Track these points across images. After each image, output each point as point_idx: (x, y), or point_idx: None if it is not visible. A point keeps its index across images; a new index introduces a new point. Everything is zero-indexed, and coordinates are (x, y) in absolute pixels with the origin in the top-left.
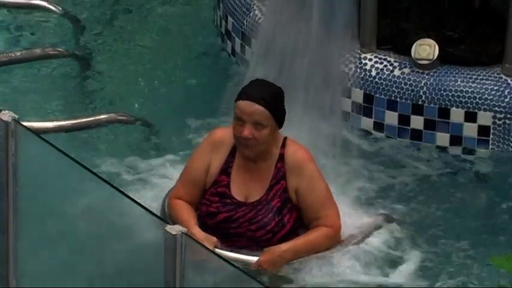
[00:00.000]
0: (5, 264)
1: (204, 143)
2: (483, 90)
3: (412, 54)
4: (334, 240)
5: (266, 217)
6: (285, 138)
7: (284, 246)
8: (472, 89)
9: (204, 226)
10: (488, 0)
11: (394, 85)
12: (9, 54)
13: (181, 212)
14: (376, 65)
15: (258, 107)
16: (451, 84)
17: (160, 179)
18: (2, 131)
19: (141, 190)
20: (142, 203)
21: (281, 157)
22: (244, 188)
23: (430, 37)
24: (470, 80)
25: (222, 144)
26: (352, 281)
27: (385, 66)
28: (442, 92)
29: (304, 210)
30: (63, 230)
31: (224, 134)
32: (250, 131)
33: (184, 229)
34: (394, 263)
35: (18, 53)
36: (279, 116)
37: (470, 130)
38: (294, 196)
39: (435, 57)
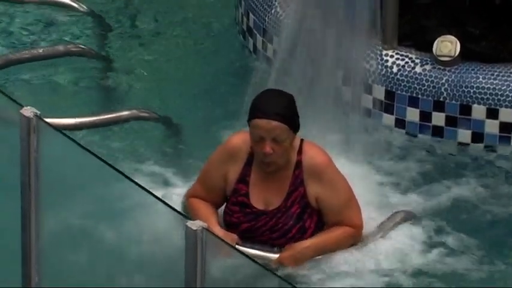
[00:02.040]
0: (27, 261)
1: (221, 150)
2: (505, 86)
3: (434, 51)
4: (356, 239)
5: (287, 224)
6: (302, 142)
7: (305, 243)
8: (494, 86)
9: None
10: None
11: (416, 82)
12: (32, 51)
13: (200, 210)
14: (398, 62)
15: (275, 124)
16: (472, 80)
17: (181, 177)
18: (24, 127)
19: (161, 187)
20: (164, 200)
21: (298, 164)
22: (263, 196)
23: (451, 34)
24: (492, 77)
25: (240, 151)
26: (373, 279)
27: (407, 63)
28: (463, 88)
29: (326, 213)
30: (85, 226)
31: (241, 141)
32: (271, 147)
33: (204, 224)
34: (414, 259)
35: (41, 50)
36: (294, 125)
37: (492, 127)
38: (314, 201)
39: (457, 54)
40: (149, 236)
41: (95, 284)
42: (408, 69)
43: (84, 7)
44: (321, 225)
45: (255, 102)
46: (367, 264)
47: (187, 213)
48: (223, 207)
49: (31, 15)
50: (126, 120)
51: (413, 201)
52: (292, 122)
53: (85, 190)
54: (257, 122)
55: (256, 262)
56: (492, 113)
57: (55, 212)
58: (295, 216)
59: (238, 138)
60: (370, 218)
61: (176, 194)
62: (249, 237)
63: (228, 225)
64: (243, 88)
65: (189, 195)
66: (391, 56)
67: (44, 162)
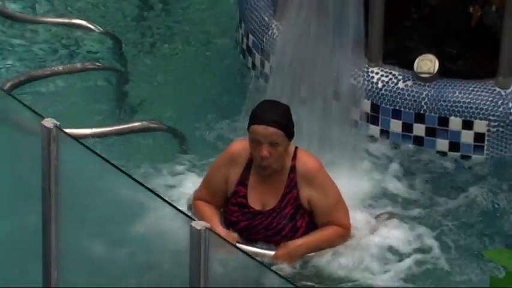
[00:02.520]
0: (47, 262)
1: (223, 156)
2: (479, 100)
3: (415, 68)
4: (345, 238)
5: (280, 223)
6: (296, 149)
7: (299, 241)
8: (469, 100)
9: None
10: (483, 21)
11: (399, 96)
12: (52, 68)
13: (204, 211)
14: (382, 78)
15: (272, 129)
16: (449, 95)
17: (187, 181)
18: (44, 137)
19: (169, 191)
20: (173, 203)
21: (293, 168)
22: (260, 198)
23: (431, 53)
24: (467, 92)
25: (239, 157)
26: (360, 274)
27: (390, 79)
28: (441, 102)
29: (317, 214)
30: (100, 227)
31: (241, 147)
32: (268, 150)
33: (208, 224)
34: (397, 256)
35: (61, 67)
36: (290, 132)
37: (467, 137)
38: (306, 203)
39: (435, 71)
40: (158, 235)
41: (110, 280)
42: (392, 84)
43: (100, 28)
44: (311, 225)
45: (254, 111)
46: (354, 261)
47: (192, 214)
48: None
49: (50, 35)
50: (138, 130)
51: (396, 203)
52: (288, 129)
53: (100, 195)
54: (256, 128)
55: (254, 259)
56: (467, 125)
57: (73, 215)
58: (289, 216)
59: (238, 145)
60: (356, 219)
61: (183, 196)
62: (246, 235)
63: (227, 224)
64: (243, 100)
65: (194, 198)
66: (377, 73)
67: (63, 169)
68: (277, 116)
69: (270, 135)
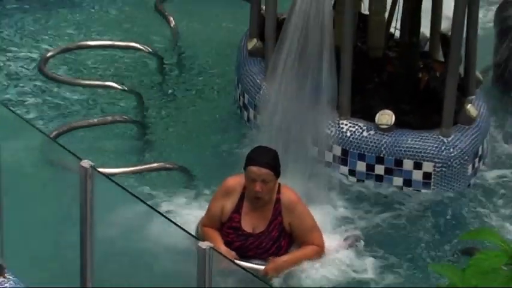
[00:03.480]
0: (84, 274)
1: (220, 189)
2: (426, 146)
3: (376, 121)
4: (319, 255)
5: (268, 244)
6: (280, 185)
7: (284, 257)
8: (419, 146)
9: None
10: (429, 84)
11: (363, 143)
12: (89, 120)
13: (209, 234)
14: (350, 128)
15: (264, 170)
16: (403, 142)
17: (195, 208)
18: (82, 175)
19: (178, 217)
20: (183, 227)
21: (278, 200)
22: (252, 223)
23: (388, 109)
24: (417, 140)
25: (234, 190)
26: (330, 281)
27: (357, 129)
28: (397, 148)
29: (297, 236)
30: (125, 246)
31: (235, 182)
32: (260, 186)
33: (211, 244)
34: (361, 269)
35: (95, 120)
36: (277, 172)
37: (417, 175)
38: (288, 227)
39: (392, 123)
40: (173, 254)
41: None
42: (358, 133)
43: (126, 88)
44: (291, 244)
45: (250, 155)
46: (326, 273)
47: (199, 236)
48: None
49: (87, 93)
50: (156, 169)
51: (361, 227)
52: (276, 170)
53: (126, 219)
54: (251, 169)
55: (248, 271)
56: (417, 166)
57: (104, 236)
58: (275, 238)
59: (233, 180)
60: (328, 239)
61: (192, 221)
62: (240, 252)
63: (224, 243)
64: (239, 146)
65: (201, 224)
66: (346, 124)
67: (96, 200)
68: (268, 160)
69: (263, 174)
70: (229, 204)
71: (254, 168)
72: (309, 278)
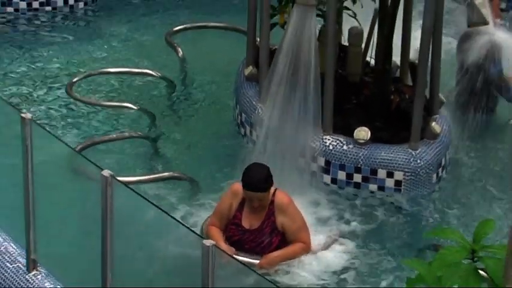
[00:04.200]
0: (105, 270)
1: (228, 192)
2: (397, 158)
3: (354, 136)
4: (307, 251)
5: (261, 239)
6: (275, 189)
7: (276, 253)
8: (391, 158)
9: (227, 242)
10: (400, 105)
11: (343, 155)
12: (109, 136)
13: (212, 233)
14: (332, 143)
15: (259, 194)
16: (378, 155)
17: (201, 211)
18: (103, 183)
19: (189, 219)
20: (190, 227)
21: (272, 202)
22: (249, 221)
23: (365, 126)
24: (390, 152)
25: (238, 193)
26: (315, 274)
27: (338, 143)
28: (372, 159)
29: (288, 234)
30: (142, 243)
31: (239, 187)
32: (257, 202)
33: (214, 242)
34: (343, 263)
35: (114, 135)
36: (270, 187)
37: (389, 183)
38: (280, 226)
39: (368, 138)
40: (180, 251)
41: (145, 279)
42: (339, 147)
43: (138, 107)
44: (282, 241)
45: (245, 176)
46: (311, 267)
47: (206, 233)
48: None
49: (106, 113)
50: (166, 179)
51: (341, 227)
52: (269, 187)
53: (141, 222)
54: (248, 193)
55: (245, 265)
56: (390, 175)
57: (122, 235)
58: (267, 234)
59: (238, 185)
60: (314, 238)
61: (197, 223)
62: (239, 246)
63: (226, 237)
64: (238, 158)
65: (207, 224)
66: (328, 139)
67: (115, 205)
68: (261, 183)
69: (258, 196)
70: (235, 204)
71: (250, 193)
72: (296, 272)
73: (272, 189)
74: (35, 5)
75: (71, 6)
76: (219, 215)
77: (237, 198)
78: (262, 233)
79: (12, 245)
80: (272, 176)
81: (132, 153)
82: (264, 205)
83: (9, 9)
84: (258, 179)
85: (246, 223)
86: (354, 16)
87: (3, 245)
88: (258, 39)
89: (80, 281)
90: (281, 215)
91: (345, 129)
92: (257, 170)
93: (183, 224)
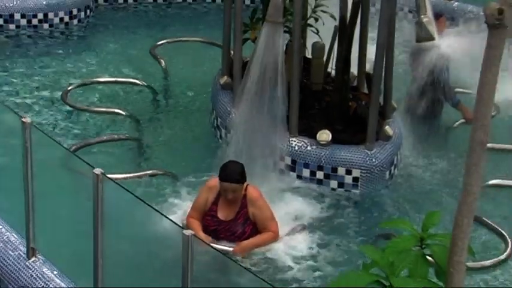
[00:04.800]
0: (96, 269)
1: (204, 187)
2: (355, 157)
3: (317, 138)
4: (275, 239)
5: (235, 229)
6: (247, 185)
7: (248, 241)
8: (349, 157)
9: (205, 232)
10: (357, 110)
11: (307, 155)
12: (100, 137)
13: (192, 224)
14: (298, 144)
15: (234, 185)
16: (338, 154)
17: (181, 202)
18: (95, 180)
19: (170, 211)
20: (172, 219)
21: (244, 196)
22: (224, 212)
23: (326, 129)
24: (348, 152)
25: (215, 188)
26: (281, 259)
27: (303, 144)
28: (333, 158)
29: (258, 224)
30: (131, 236)
31: (216, 182)
32: (231, 194)
33: (193, 232)
34: (307, 250)
35: (105, 137)
36: (243, 181)
37: (348, 179)
38: (252, 216)
39: (329, 140)
40: (163, 240)
41: (132, 271)
42: (303, 148)
43: (126, 113)
44: (254, 230)
45: (222, 172)
46: (280, 252)
47: (187, 224)
48: None
49: (97, 118)
50: (151, 175)
51: (306, 219)
52: (242, 181)
53: (128, 214)
54: (224, 184)
55: (221, 252)
56: (348, 172)
57: (112, 225)
58: (240, 224)
59: (214, 181)
60: (281, 228)
61: (179, 212)
62: (215, 235)
63: (203, 227)
64: (214, 156)
65: (188, 216)
66: (294, 141)
67: (106, 199)
68: (236, 176)
69: (232, 187)
70: (211, 198)
71: (226, 184)
72: (265, 257)
73: (244, 185)
74: (34, 22)
75: (66, 23)
76: (197, 208)
77: (212, 192)
78: (236, 224)
79: (14, 235)
80: (245, 172)
81: (120, 153)
82: (237, 197)
83: (12, 26)
84: (233, 171)
85: (221, 215)
86: (317, 32)
87: (5, 235)
88: (232, 52)
89: (74, 266)
90: (252, 207)
91: (308, 132)
92: (233, 165)
93: (165, 216)
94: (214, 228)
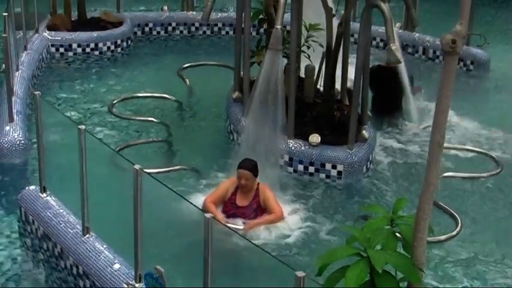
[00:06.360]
0: (137, 247)
1: (227, 181)
2: (339, 155)
3: (309, 140)
4: (279, 219)
5: (248, 212)
6: (258, 183)
7: (255, 220)
8: (334, 155)
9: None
10: (341, 118)
11: (302, 153)
12: (138, 141)
13: (210, 208)
14: (294, 145)
15: (247, 172)
16: (325, 153)
17: (201, 192)
18: (135, 174)
19: (193, 199)
20: (195, 204)
21: (257, 190)
22: (241, 200)
23: (317, 133)
24: (334, 151)
25: (235, 183)
26: (280, 236)
27: (298, 145)
28: (322, 156)
29: (267, 208)
30: (164, 219)
31: (235, 180)
32: (245, 181)
33: (212, 215)
34: (301, 227)
35: (142, 140)
36: (255, 173)
37: (334, 173)
38: (262, 203)
39: (319, 142)
40: (189, 221)
41: (163, 245)
42: (298, 148)
43: (158, 120)
44: (264, 213)
45: (241, 161)
46: (282, 229)
47: (206, 208)
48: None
49: (136, 125)
50: (179, 169)
51: (301, 203)
52: (254, 172)
53: (163, 202)
54: (239, 171)
55: (235, 231)
56: (334, 167)
57: (149, 211)
58: (253, 209)
59: (234, 179)
60: (284, 210)
61: (200, 199)
62: (233, 218)
63: (223, 212)
64: (228, 156)
65: (206, 201)
66: (291, 142)
67: (144, 190)
68: (250, 166)
69: (246, 174)
70: (231, 189)
71: (240, 170)
72: (271, 233)
73: (257, 181)
74: (87, 50)
75: (112, 51)
76: (217, 196)
77: (232, 186)
78: (251, 209)
79: (72, 216)
80: (258, 167)
81: (154, 153)
82: (250, 187)
83: (70, 53)
84: (248, 163)
85: (239, 202)
86: (308, 57)
87: (66, 217)
88: (242, 73)
89: (119, 242)
90: (262, 196)
91: (302, 135)
92: (249, 160)
93: (191, 203)
94: (232, 212)
